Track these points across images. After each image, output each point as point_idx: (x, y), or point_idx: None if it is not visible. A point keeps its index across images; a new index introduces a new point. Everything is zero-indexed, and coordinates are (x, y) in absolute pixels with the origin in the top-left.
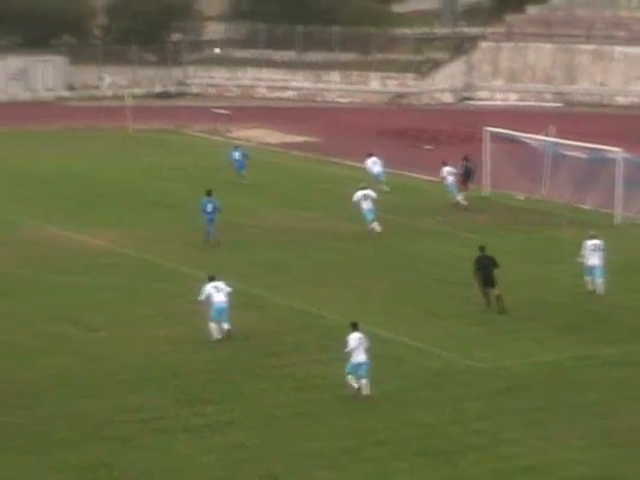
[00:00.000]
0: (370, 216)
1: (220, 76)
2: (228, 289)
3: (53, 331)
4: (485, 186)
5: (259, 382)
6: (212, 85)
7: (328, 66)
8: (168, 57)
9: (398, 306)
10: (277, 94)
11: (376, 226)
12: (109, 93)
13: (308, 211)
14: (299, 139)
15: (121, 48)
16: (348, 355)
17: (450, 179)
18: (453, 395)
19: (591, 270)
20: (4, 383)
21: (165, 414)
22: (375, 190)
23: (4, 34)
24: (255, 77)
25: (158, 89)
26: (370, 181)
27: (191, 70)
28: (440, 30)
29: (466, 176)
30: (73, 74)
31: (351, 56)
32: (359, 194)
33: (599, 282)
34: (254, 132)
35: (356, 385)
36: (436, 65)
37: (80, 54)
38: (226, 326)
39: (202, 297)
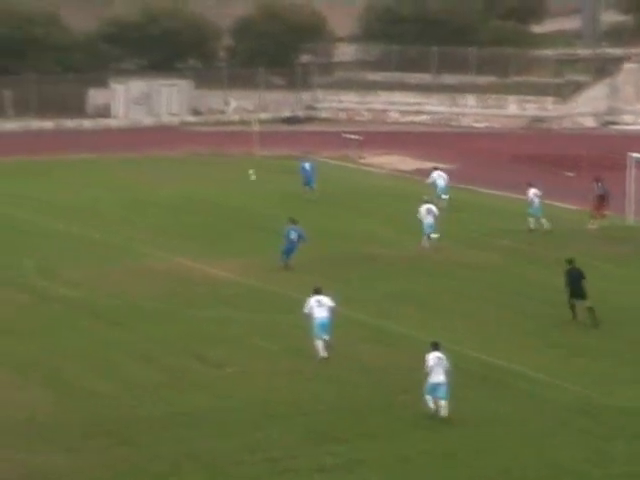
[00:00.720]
0: (428, 230)
1: (350, 100)
2: (331, 304)
3: (176, 366)
4: (628, 215)
5: (392, 420)
6: (342, 109)
7: (464, 89)
8: (296, 80)
9: (531, 339)
10: (410, 118)
11: (425, 242)
12: (235, 118)
13: (438, 240)
14: (432, 165)
15: (247, 71)
16: (426, 375)
17: (536, 201)
18: (596, 435)
19: None
20: (124, 420)
21: (295, 453)
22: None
23: (128, 57)
24: (387, 101)
25: (286, 113)
26: (432, 194)
27: (320, 93)
28: (582, 51)
29: (601, 200)
30: (198, 98)
31: (488, 78)
32: (424, 209)
33: None
34: (386, 158)
35: (432, 406)
36: (578, 88)
37: (205, 77)
38: (326, 337)
39: (306, 310)
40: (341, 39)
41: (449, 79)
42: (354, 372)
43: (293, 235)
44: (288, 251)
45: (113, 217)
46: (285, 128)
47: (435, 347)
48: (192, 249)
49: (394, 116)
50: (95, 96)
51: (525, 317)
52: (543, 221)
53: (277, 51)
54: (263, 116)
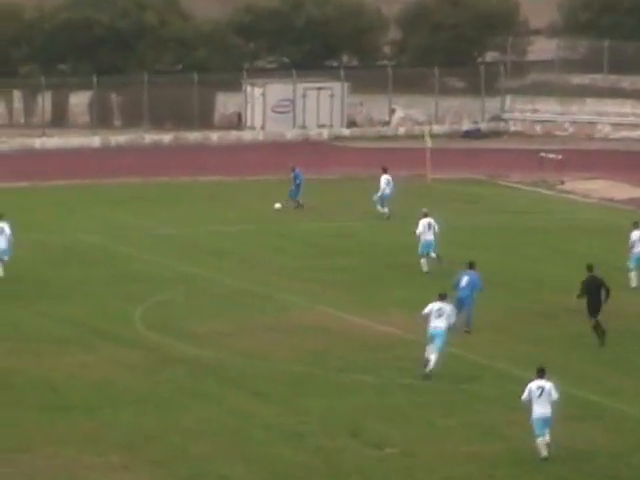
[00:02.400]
0: (425, 250)
1: (548, 109)
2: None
3: (328, 446)
4: None
5: None
6: (538, 121)
7: None
8: (480, 84)
9: None
10: (625, 133)
11: (424, 264)
12: (401, 131)
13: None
14: None
15: (418, 72)
16: (526, 406)
17: None
18: None
19: None
20: None
21: None
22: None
23: (265, 53)
24: (596, 111)
25: (465, 126)
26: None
27: (510, 101)
28: None
29: None
30: (354, 106)
31: None
32: (423, 224)
33: None
34: (594, 184)
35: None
36: None
37: (364, 80)
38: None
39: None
40: (538, 32)
41: None
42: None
43: (464, 282)
44: (460, 303)
45: (245, 256)
46: (464, 144)
47: (540, 375)
48: (342, 297)
49: (604, 130)
50: (224, 102)
51: None
52: None
53: (456, 47)
54: (437, 129)
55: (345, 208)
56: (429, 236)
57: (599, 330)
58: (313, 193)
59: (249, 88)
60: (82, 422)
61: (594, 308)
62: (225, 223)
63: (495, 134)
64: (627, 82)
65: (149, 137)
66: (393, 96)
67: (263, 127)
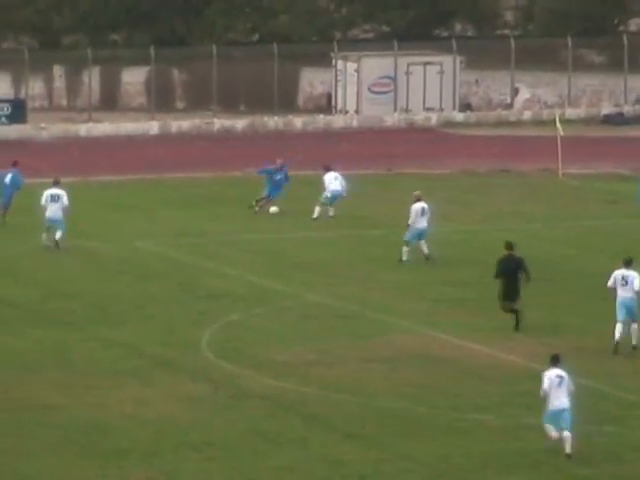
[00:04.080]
0: (415, 239)
1: None
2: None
3: None
4: None
5: None
6: None
7: None
8: (623, 58)
9: None
10: None
11: (405, 254)
12: (526, 116)
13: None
14: None
15: (547, 43)
16: (544, 399)
17: None
18: None
19: None
20: None
21: None
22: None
23: (359, 19)
24: None
25: (606, 109)
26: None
27: None
28: None
29: None
30: (469, 85)
31: None
32: (416, 210)
33: None
34: None
35: (554, 434)
36: None
37: (481, 53)
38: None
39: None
40: None
41: None
42: None
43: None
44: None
45: (335, 268)
46: (605, 132)
47: (555, 362)
48: (455, 318)
49: None
50: (311, 81)
51: None
52: None
53: (593, 12)
54: (570, 113)
55: (460, 209)
56: (422, 223)
57: (516, 314)
58: (423, 189)
59: (341, 63)
60: (136, 470)
61: (510, 293)
62: (315, 228)
63: None
64: None
65: (219, 122)
66: (516, 73)
67: (358, 111)
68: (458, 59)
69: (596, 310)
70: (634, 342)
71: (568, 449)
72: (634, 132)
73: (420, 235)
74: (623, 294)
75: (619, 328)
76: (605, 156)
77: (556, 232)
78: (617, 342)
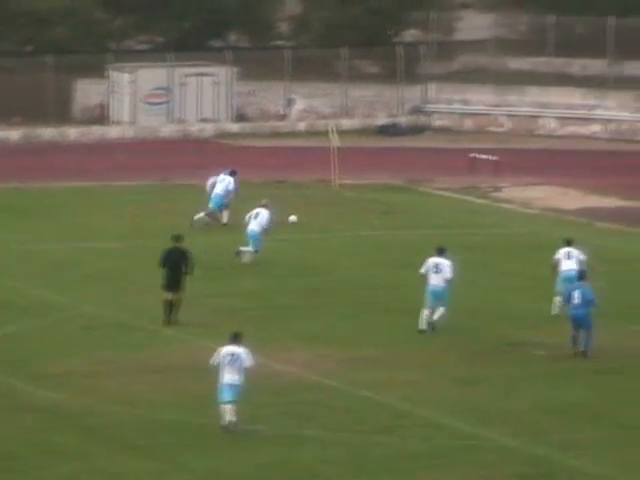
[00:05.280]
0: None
1: (482, 100)
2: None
3: None
4: None
5: None
6: (468, 114)
7: None
8: (397, 69)
9: None
10: (574, 129)
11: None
12: (301, 126)
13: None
14: (608, 202)
15: (322, 54)
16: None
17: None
18: None
19: None
20: None
21: None
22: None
23: (135, 30)
24: (539, 102)
25: (380, 120)
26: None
27: (434, 90)
28: None
29: None
30: (245, 96)
31: None
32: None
33: None
34: (535, 191)
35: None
36: None
37: (256, 64)
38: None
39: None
40: (467, 5)
41: (635, 69)
42: None
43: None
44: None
45: (117, 279)
46: (379, 143)
47: (233, 340)
48: (236, 329)
49: (549, 125)
50: (85, 91)
51: None
52: None
53: (368, 24)
54: (345, 124)
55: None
56: (254, 226)
57: (175, 308)
58: (197, 201)
59: (115, 74)
60: None
61: (170, 283)
62: (96, 239)
63: (416, 130)
64: (576, 67)
65: None
66: (292, 84)
67: (133, 122)
68: (233, 70)
69: (370, 320)
70: (435, 317)
71: (228, 417)
72: (409, 142)
73: (251, 237)
74: (434, 282)
75: (426, 314)
76: (380, 166)
77: (331, 242)
78: (422, 330)
